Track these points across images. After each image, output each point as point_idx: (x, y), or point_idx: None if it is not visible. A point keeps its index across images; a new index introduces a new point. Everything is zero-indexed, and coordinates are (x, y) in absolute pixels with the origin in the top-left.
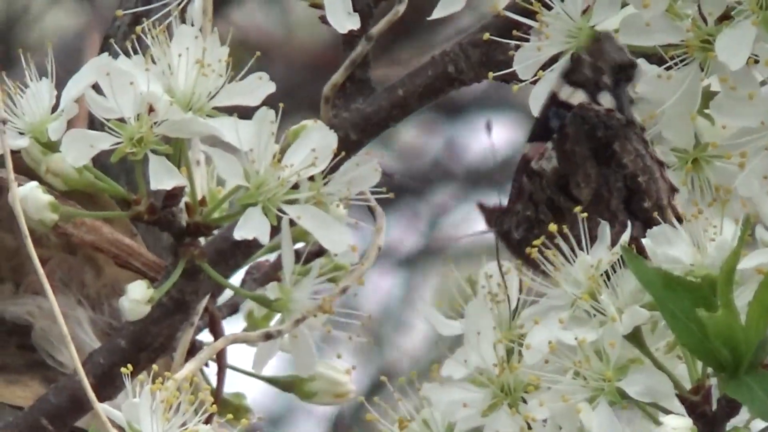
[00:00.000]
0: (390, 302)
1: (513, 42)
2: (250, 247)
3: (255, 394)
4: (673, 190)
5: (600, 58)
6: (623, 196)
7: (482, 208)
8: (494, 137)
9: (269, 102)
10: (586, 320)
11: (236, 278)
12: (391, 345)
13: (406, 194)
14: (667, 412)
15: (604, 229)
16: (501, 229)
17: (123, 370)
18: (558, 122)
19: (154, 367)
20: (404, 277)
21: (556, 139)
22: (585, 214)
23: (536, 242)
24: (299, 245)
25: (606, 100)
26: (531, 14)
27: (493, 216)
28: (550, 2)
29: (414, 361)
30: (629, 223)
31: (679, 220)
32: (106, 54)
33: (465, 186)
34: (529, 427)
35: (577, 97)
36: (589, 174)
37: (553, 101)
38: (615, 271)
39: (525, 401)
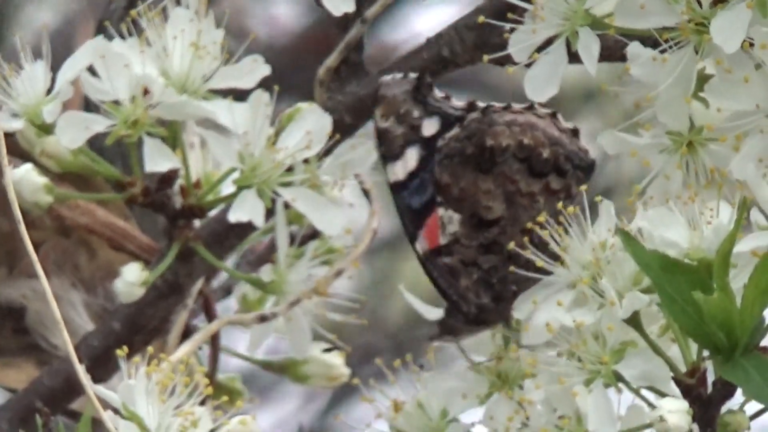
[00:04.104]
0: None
1: (508, 25)
2: (245, 229)
3: None
4: (553, 114)
5: (392, 103)
6: (526, 171)
7: (436, 337)
8: None
9: (264, 84)
10: (584, 302)
11: (230, 261)
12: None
13: None
14: (662, 394)
15: (608, 208)
16: (456, 328)
17: (118, 352)
18: (419, 198)
19: (149, 349)
20: (385, 258)
21: (440, 202)
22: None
23: (540, 218)
24: (293, 228)
25: (431, 124)
26: None
27: (446, 326)
28: None
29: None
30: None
31: (576, 132)
32: (101, 36)
33: None
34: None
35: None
36: (488, 189)
37: (396, 189)
38: (614, 254)
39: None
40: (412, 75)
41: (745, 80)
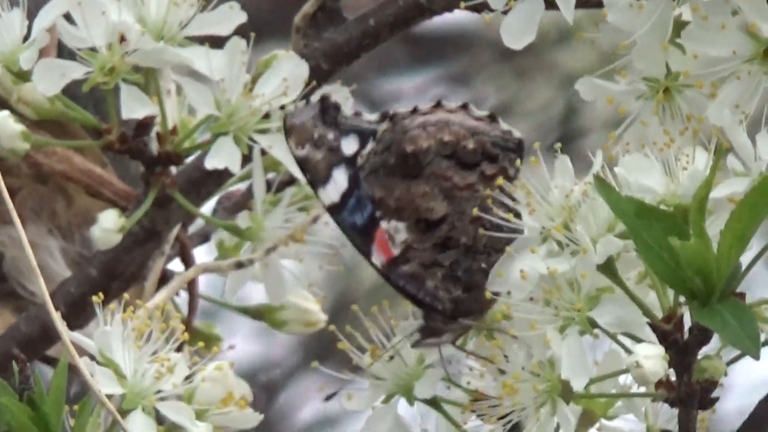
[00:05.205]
0: None
1: None
2: (222, 176)
3: None
4: (464, 106)
5: (302, 131)
6: (456, 166)
7: (420, 343)
8: None
9: (240, 32)
10: (559, 252)
11: (207, 207)
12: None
13: None
14: (639, 340)
15: (564, 161)
16: (437, 329)
17: (94, 298)
18: (360, 215)
19: (125, 295)
20: None
21: (380, 216)
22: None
23: (499, 182)
24: (270, 175)
25: (350, 143)
26: None
27: (427, 331)
28: None
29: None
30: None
31: (493, 117)
32: None
33: None
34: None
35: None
36: (425, 192)
37: (334, 212)
38: (585, 202)
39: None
40: (314, 99)
41: (721, 27)
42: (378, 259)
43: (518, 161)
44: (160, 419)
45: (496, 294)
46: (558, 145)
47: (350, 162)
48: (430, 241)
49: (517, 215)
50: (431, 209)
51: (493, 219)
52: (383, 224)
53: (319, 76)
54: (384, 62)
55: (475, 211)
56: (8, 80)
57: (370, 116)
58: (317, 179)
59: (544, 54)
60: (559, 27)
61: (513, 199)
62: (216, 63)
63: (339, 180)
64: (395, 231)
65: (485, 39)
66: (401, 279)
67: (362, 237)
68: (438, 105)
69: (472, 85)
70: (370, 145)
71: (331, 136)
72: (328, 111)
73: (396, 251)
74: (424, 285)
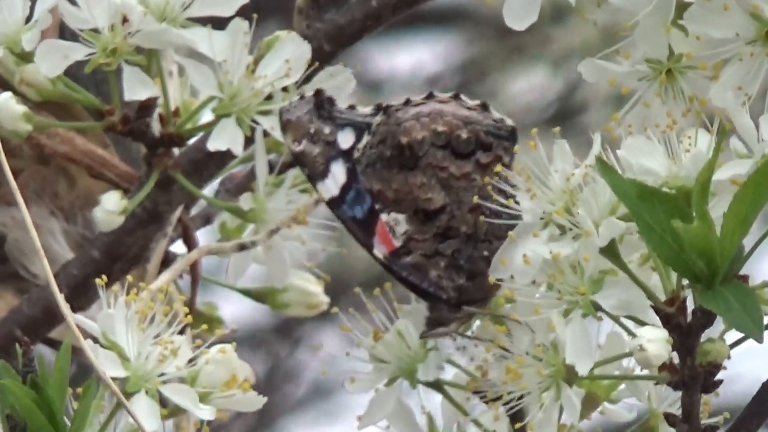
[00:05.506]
0: None
1: None
2: (224, 157)
3: None
4: (456, 96)
5: (298, 126)
6: (451, 156)
7: (428, 334)
8: None
9: (243, 13)
10: (561, 236)
11: (210, 189)
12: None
13: None
14: (642, 323)
15: (563, 146)
16: (443, 318)
17: (97, 281)
18: (360, 208)
19: (129, 277)
20: None
21: (380, 209)
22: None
23: (497, 168)
24: (272, 156)
25: (346, 136)
26: None
27: (434, 321)
28: None
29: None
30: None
31: (485, 106)
32: None
33: None
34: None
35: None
36: (422, 183)
37: (334, 206)
38: (586, 186)
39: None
40: (309, 94)
41: (724, 8)
42: (380, 251)
43: (514, 147)
44: (163, 402)
45: (500, 280)
46: (556, 129)
47: (347, 155)
48: (431, 232)
49: (517, 201)
50: (429, 200)
51: (492, 206)
52: (383, 216)
53: (321, 57)
54: (380, 40)
55: (476, 199)
56: (11, 61)
57: (364, 109)
58: (315, 174)
59: (541, 31)
60: (558, 5)
61: (512, 186)
62: (218, 44)
63: (337, 174)
64: (395, 223)
65: (482, 16)
66: (404, 270)
67: (363, 230)
68: (430, 96)
69: (468, 63)
70: (365, 138)
71: (327, 130)
72: (323, 105)
73: (397, 243)
74: (428, 275)
